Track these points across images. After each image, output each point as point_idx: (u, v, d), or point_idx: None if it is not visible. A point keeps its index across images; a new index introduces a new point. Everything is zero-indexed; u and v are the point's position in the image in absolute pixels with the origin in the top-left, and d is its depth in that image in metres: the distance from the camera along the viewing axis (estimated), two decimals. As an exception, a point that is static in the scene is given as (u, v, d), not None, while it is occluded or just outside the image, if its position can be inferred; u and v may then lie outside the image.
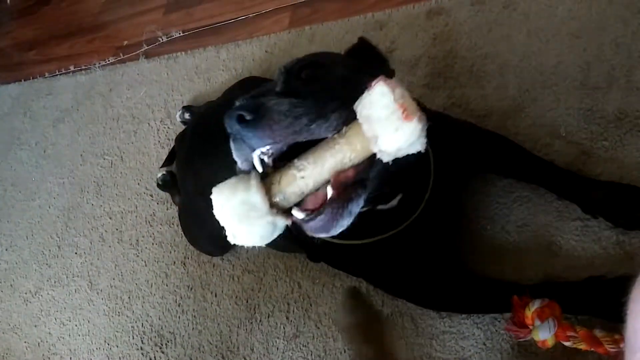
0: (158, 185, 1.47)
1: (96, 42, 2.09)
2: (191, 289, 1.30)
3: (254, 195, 0.62)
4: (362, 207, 0.66)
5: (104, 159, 1.71)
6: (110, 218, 1.57)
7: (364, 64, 0.82)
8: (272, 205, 0.63)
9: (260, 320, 1.17)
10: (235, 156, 0.66)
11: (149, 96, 1.73)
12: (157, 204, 1.50)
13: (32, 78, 2.19)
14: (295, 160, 0.64)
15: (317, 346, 1.07)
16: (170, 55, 1.77)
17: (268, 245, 1.20)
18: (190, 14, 1.83)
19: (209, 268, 1.30)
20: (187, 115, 1.52)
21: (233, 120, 0.62)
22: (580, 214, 0.92)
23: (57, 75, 2.09)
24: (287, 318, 1.13)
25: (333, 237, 0.86)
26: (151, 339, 1.31)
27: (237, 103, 0.69)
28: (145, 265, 1.42)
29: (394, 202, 0.81)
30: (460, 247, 0.98)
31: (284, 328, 1.13)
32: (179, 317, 1.29)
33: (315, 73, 0.72)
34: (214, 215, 0.67)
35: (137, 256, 1.45)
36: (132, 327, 1.35)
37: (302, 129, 0.62)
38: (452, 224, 0.98)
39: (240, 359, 1.15)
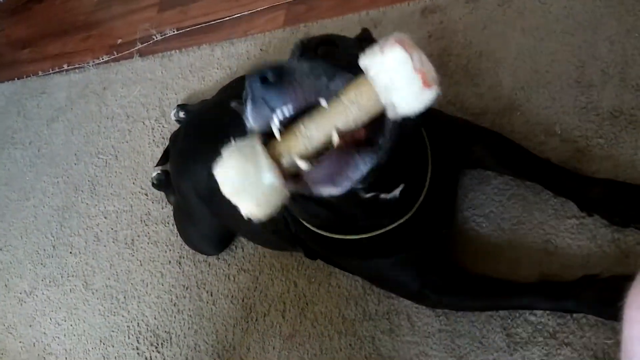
0: (153, 184, 1.47)
1: (90, 41, 2.07)
2: (187, 288, 1.30)
3: (261, 158, 0.61)
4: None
5: (99, 158, 1.70)
6: (105, 217, 1.57)
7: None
8: (280, 168, 0.62)
9: (256, 320, 1.16)
10: (251, 118, 0.66)
11: (143, 95, 1.72)
12: (152, 203, 1.49)
13: (26, 77, 2.17)
14: (301, 123, 0.63)
15: (314, 345, 1.07)
16: (164, 54, 1.76)
17: (264, 244, 1.21)
18: (185, 12, 1.82)
19: (205, 267, 1.30)
20: (181, 114, 1.51)
21: (256, 82, 0.64)
22: (575, 212, 0.92)
23: (50, 73, 2.08)
24: (283, 317, 1.13)
25: (330, 231, 0.87)
26: (147, 339, 1.30)
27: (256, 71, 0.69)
28: (141, 265, 1.41)
29: (396, 193, 0.80)
30: (456, 245, 0.98)
31: (280, 327, 1.13)
32: (175, 317, 1.29)
33: (330, 50, 0.75)
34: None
35: (133, 255, 1.44)
36: (127, 326, 1.35)
37: (322, 87, 0.64)
38: (447, 221, 0.98)
39: (237, 358, 1.15)
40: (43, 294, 1.56)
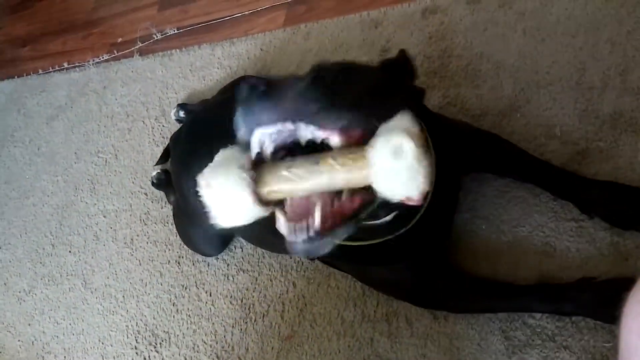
0: (153, 183, 1.47)
1: (90, 39, 2.07)
2: (186, 288, 1.30)
3: (243, 183, 0.62)
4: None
5: (98, 157, 1.70)
6: (104, 216, 1.57)
7: (395, 80, 0.82)
8: (257, 194, 0.63)
9: (255, 320, 1.16)
10: (239, 124, 0.66)
11: (143, 94, 1.72)
12: (152, 202, 1.49)
13: (26, 75, 2.17)
14: (289, 160, 0.63)
15: (312, 346, 1.07)
16: (164, 53, 1.76)
17: (263, 245, 1.20)
18: (185, 11, 1.82)
19: (204, 267, 1.30)
20: (181, 113, 1.51)
21: (245, 88, 0.64)
22: (575, 214, 0.92)
23: (50, 72, 2.08)
24: (282, 318, 1.13)
25: None
26: (145, 338, 1.30)
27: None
28: (140, 264, 1.41)
29: (388, 218, 0.80)
30: (455, 247, 0.98)
31: (278, 328, 1.13)
32: (174, 317, 1.29)
33: (341, 87, 0.70)
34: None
35: (132, 255, 1.44)
36: (126, 326, 1.35)
37: (309, 114, 0.63)
38: (447, 224, 0.97)
39: (235, 358, 1.15)
40: (42, 292, 1.56)
